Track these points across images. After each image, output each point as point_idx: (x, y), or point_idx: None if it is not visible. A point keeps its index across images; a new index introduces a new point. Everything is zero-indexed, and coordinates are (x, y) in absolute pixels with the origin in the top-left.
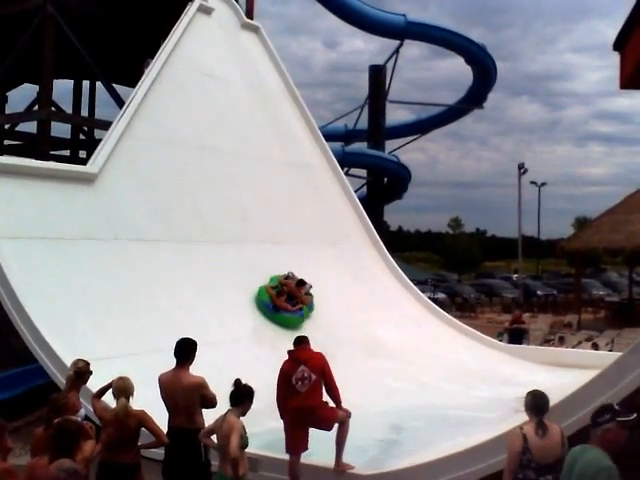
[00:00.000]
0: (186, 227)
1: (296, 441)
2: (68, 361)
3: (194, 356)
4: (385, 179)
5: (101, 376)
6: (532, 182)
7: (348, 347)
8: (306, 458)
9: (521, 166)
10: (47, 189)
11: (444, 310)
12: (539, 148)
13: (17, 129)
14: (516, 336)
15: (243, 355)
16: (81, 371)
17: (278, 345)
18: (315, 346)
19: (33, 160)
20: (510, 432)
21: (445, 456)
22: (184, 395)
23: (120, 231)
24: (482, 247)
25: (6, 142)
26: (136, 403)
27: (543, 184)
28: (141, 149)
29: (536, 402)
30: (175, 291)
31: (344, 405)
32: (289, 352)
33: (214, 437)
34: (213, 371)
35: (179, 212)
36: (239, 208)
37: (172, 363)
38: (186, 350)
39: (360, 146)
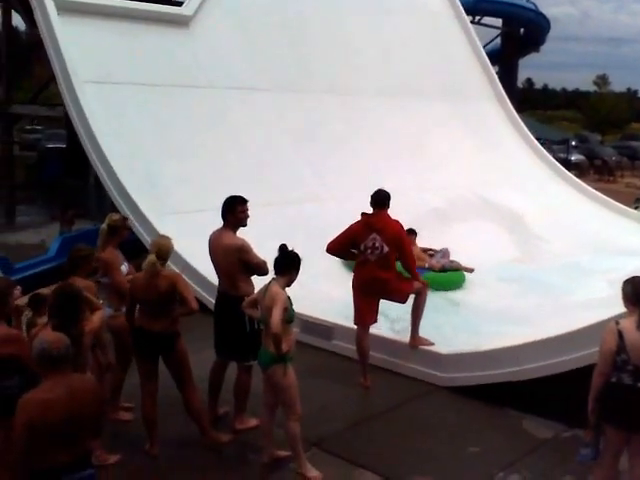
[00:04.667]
0: (285, 76)
1: (364, 312)
2: (151, 216)
3: (234, 216)
4: (521, 30)
5: (183, 229)
6: None
7: (461, 210)
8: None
9: None
10: (138, 31)
11: (580, 173)
12: None
13: None
14: None
15: (337, 212)
16: (115, 225)
17: None
18: (425, 209)
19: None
20: (605, 327)
21: (528, 342)
22: (223, 257)
23: (215, 78)
24: (632, 108)
25: None
26: None
27: None
28: None
29: (637, 291)
30: (271, 143)
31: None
32: (363, 215)
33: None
34: (310, 229)
35: (279, 61)
36: (348, 58)
37: (257, 219)
38: (226, 208)
39: None
